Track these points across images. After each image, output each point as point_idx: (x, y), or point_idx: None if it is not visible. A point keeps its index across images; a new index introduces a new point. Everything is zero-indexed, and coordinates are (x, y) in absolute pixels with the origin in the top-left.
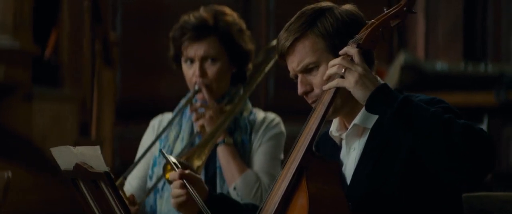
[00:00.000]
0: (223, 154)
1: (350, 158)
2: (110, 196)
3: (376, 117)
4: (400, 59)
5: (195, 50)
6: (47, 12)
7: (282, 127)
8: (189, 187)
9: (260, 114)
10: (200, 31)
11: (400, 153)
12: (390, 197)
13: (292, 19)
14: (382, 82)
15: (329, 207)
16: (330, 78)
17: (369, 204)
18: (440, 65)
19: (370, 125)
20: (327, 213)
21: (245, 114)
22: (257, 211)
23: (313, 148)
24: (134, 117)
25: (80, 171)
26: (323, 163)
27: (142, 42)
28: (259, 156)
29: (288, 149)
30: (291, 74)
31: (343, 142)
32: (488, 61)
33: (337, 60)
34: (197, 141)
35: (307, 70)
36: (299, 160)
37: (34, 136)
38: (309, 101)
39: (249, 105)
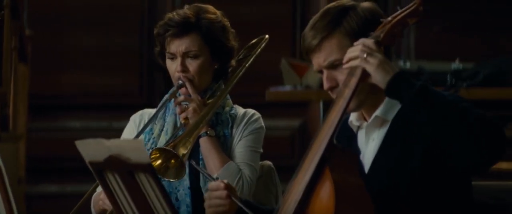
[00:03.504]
0: (205, 145)
1: (368, 147)
2: (150, 187)
3: (396, 110)
4: None
5: (177, 46)
6: None
7: (262, 122)
8: (234, 199)
9: (240, 110)
10: (182, 28)
11: (418, 145)
12: (406, 187)
13: (317, 17)
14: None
15: (353, 195)
16: (350, 61)
17: (386, 193)
18: None
19: (390, 117)
20: (352, 201)
21: (227, 108)
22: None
23: (334, 140)
24: (40, 113)
25: (114, 162)
26: (344, 154)
27: (48, 39)
28: (240, 149)
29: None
30: (316, 69)
31: (362, 132)
32: (393, 59)
33: (357, 46)
34: (180, 133)
35: (333, 66)
36: (321, 152)
37: None
38: (334, 96)
39: (230, 101)
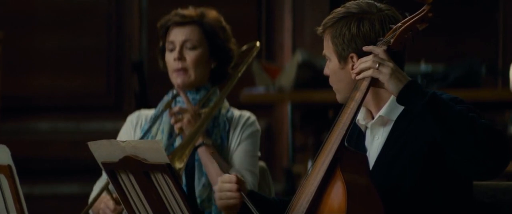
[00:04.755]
0: (204, 154)
1: (373, 145)
2: (168, 187)
3: (400, 109)
4: (297, 57)
5: (177, 34)
6: None
7: (258, 125)
8: (243, 194)
9: (235, 112)
10: (184, 18)
11: (420, 144)
12: (408, 185)
13: (337, 9)
14: (409, 78)
15: (364, 195)
16: (362, 72)
17: (388, 191)
18: None
19: (394, 117)
20: (363, 200)
21: (223, 111)
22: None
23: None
24: (8, 114)
25: (130, 163)
26: (354, 155)
27: (16, 41)
28: (239, 154)
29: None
30: None
31: (368, 131)
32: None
33: (369, 57)
34: (177, 141)
35: (325, 58)
36: (333, 153)
37: None
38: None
39: (227, 103)
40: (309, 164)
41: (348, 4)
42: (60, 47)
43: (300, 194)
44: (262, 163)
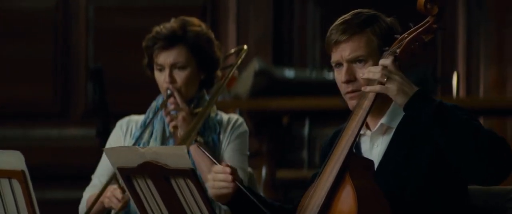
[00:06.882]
0: (196, 152)
1: (373, 153)
2: (190, 192)
3: (400, 117)
4: (254, 65)
5: (165, 58)
6: None
7: (245, 126)
8: (238, 183)
9: (224, 115)
10: (169, 40)
11: (424, 152)
12: (411, 191)
13: (348, 16)
14: (416, 88)
15: (372, 198)
16: (369, 82)
17: (392, 196)
18: (288, 72)
19: (394, 124)
20: (371, 203)
21: (212, 114)
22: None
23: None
24: None
25: (150, 168)
26: (362, 161)
27: None
28: (229, 153)
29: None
30: (335, 60)
31: (365, 139)
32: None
33: (377, 68)
34: (170, 142)
35: (356, 61)
36: (342, 159)
37: None
38: (348, 90)
39: (215, 107)
40: (263, 170)
41: (355, 11)
42: (7, 55)
43: (310, 198)
44: (249, 169)
